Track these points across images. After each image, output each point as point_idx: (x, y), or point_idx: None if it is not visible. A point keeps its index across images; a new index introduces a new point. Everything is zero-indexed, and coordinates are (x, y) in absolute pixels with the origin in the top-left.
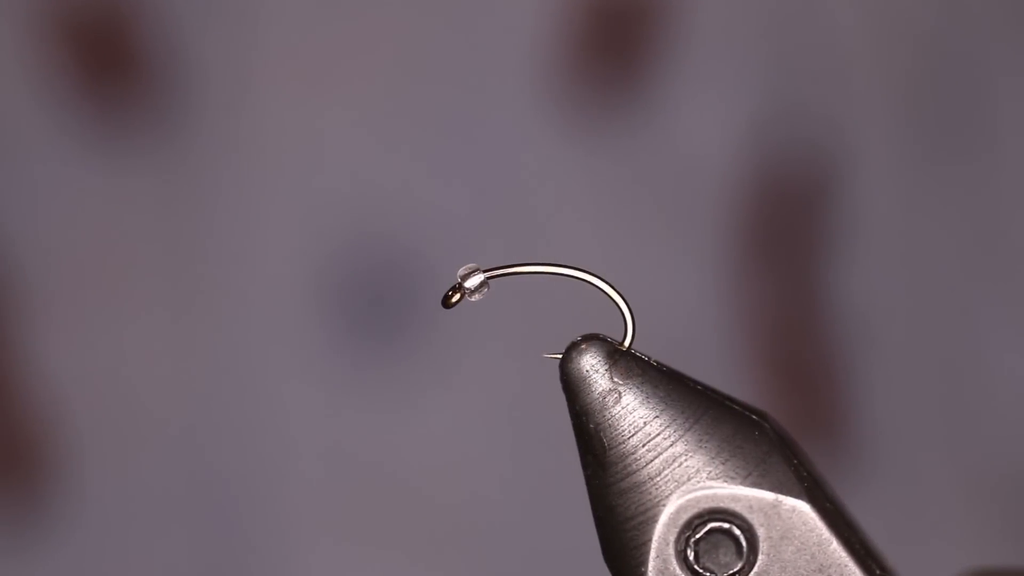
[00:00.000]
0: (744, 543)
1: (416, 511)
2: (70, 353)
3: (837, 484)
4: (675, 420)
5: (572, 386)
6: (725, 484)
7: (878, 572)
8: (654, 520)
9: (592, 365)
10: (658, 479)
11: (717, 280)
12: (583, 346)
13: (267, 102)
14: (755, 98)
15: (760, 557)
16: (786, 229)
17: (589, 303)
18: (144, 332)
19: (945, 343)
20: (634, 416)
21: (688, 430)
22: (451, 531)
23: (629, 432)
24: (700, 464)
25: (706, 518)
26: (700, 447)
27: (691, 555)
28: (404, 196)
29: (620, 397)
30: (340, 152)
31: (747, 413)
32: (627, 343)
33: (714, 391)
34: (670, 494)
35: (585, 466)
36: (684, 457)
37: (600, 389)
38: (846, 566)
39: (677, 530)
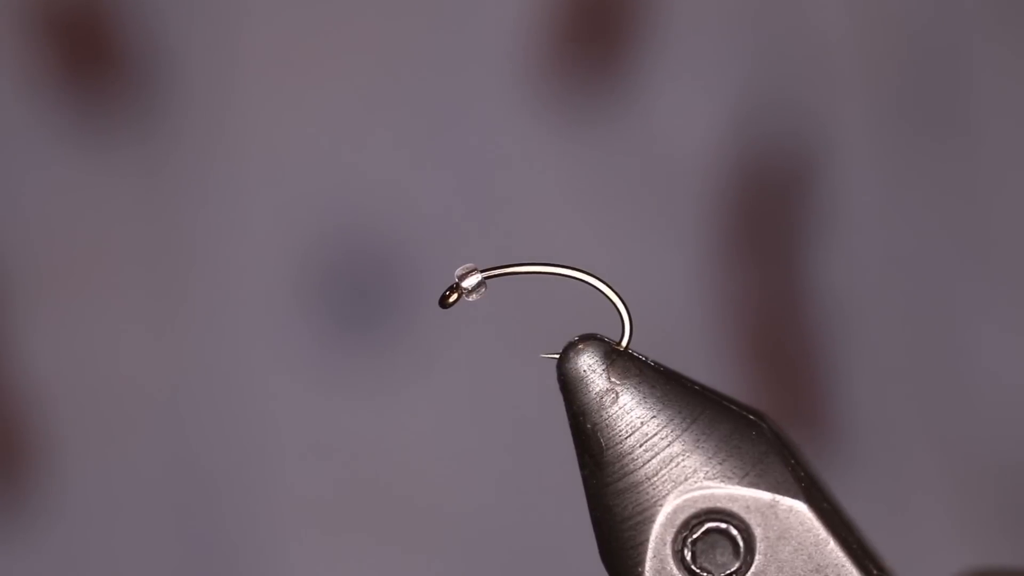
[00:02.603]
0: (741, 543)
1: (401, 503)
2: (52, 347)
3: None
4: (672, 420)
5: (569, 386)
6: (722, 484)
7: (875, 572)
8: (651, 520)
9: (589, 365)
10: (655, 479)
11: (699, 271)
12: (580, 346)
13: (248, 96)
14: (736, 89)
15: (757, 557)
16: (768, 220)
17: (579, 302)
18: (126, 325)
19: (927, 333)
20: (631, 416)
21: (685, 430)
22: (436, 524)
23: (626, 432)
24: (697, 464)
25: (703, 518)
26: (697, 447)
27: (688, 555)
28: (385, 187)
29: (617, 397)
30: (321, 144)
31: (744, 413)
32: (624, 343)
33: (711, 391)
34: (667, 494)
35: (582, 466)
36: (681, 457)
37: (597, 389)
38: (843, 566)
39: (674, 530)
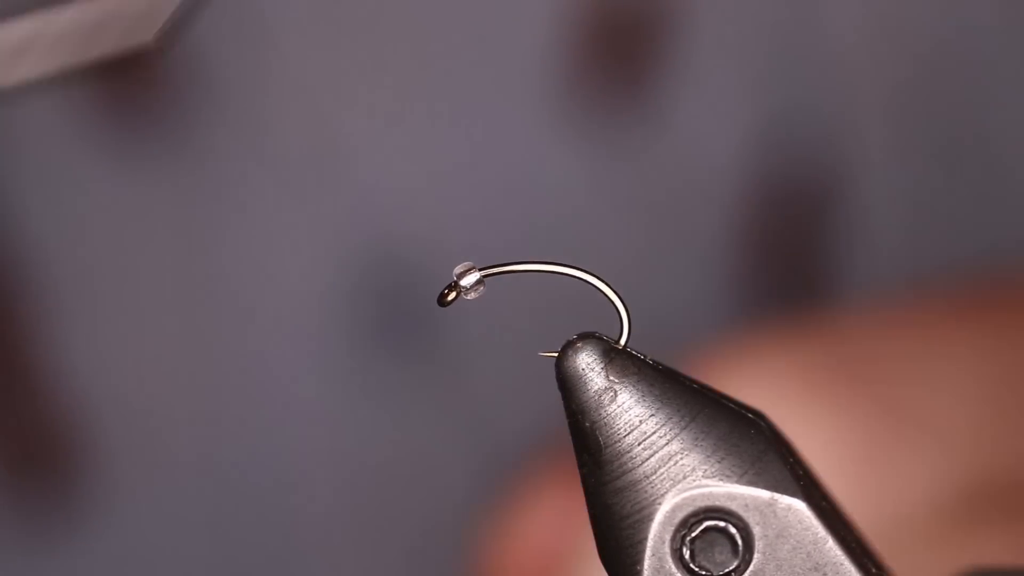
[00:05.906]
0: (740, 541)
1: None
2: (95, 355)
3: None
4: (671, 418)
5: (568, 384)
6: (721, 482)
7: (874, 571)
8: (650, 519)
9: (588, 363)
10: (654, 477)
11: (721, 286)
12: (579, 344)
13: (284, 109)
14: (760, 106)
15: (756, 556)
16: (790, 235)
17: (583, 302)
18: (166, 334)
19: None
20: (630, 414)
21: (684, 428)
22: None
23: (625, 430)
24: (696, 462)
25: (702, 516)
26: (696, 445)
27: (687, 553)
28: (416, 204)
29: (616, 395)
30: (353, 160)
31: (743, 411)
32: (623, 341)
33: (710, 389)
34: (666, 492)
35: (581, 464)
36: (680, 455)
37: (596, 387)
38: (842, 564)
39: (673, 528)
